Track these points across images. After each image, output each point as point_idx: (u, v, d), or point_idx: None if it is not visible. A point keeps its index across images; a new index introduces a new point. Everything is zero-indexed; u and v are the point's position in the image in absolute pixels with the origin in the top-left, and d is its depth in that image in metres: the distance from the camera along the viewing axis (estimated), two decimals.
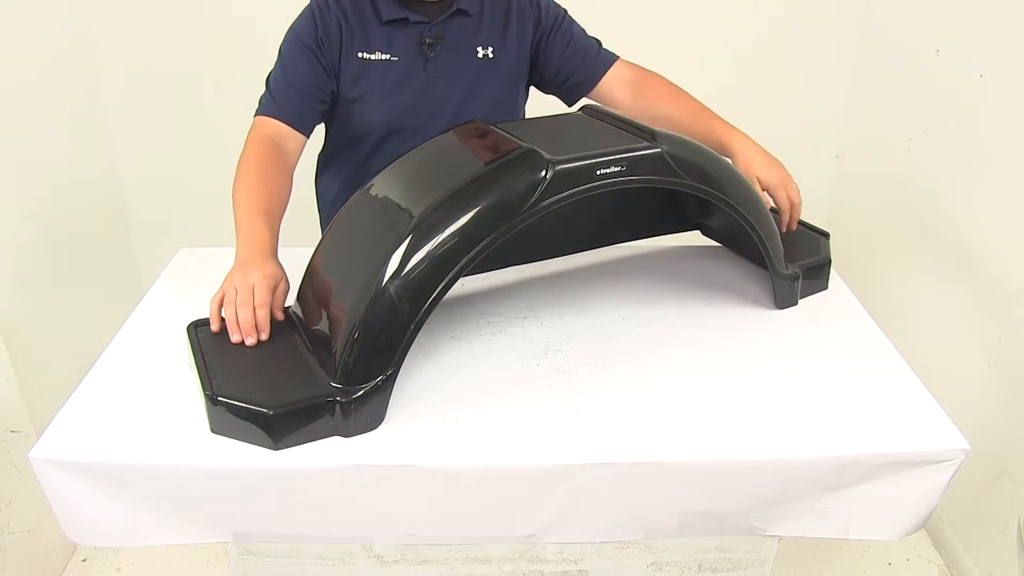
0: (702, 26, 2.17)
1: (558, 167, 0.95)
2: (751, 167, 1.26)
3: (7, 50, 1.76)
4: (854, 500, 0.97)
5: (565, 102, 1.48)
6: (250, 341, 1.01)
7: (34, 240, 1.85)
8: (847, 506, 0.97)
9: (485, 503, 0.95)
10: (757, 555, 1.05)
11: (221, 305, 1.04)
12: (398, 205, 0.98)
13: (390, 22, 1.32)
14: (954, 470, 0.95)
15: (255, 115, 1.32)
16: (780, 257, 1.18)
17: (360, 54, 1.32)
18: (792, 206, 1.28)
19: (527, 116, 1.48)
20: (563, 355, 1.09)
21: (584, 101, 1.35)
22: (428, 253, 0.91)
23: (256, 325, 1.01)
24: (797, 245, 1.28)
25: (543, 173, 0.94)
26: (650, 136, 1.02)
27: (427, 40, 1.32)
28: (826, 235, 1.33)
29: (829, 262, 1.27)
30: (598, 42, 1.46)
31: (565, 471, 0.92)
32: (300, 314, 1.04)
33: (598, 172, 0.97)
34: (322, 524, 0.97)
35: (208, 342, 1.01)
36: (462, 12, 1.34)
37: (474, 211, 0.93)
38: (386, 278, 0.91)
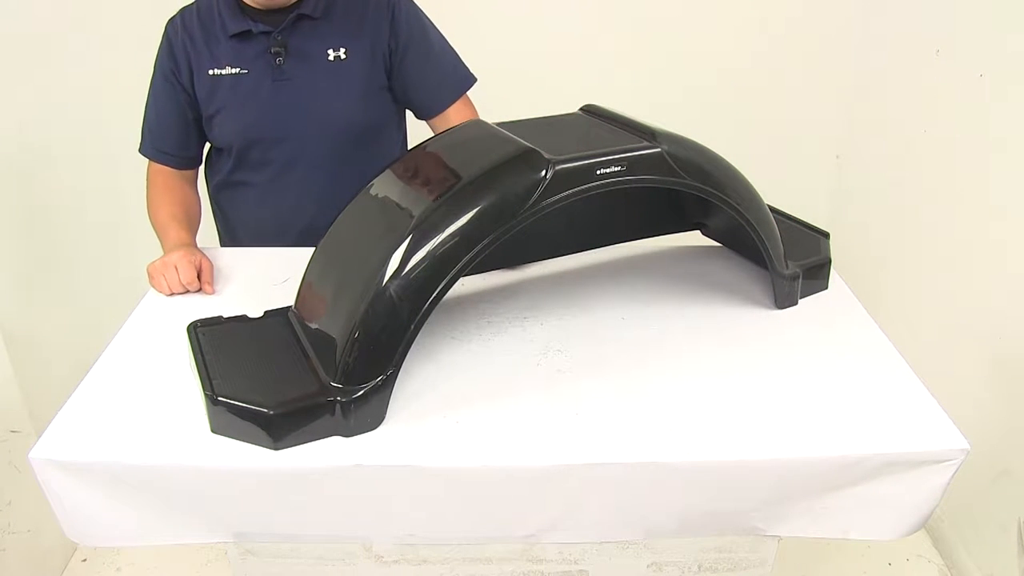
0: (703, 26, 2.17)
1: (558, 167, 0.95)
2: None
3: (7, 50, 1.76)
4: (854, 500, 0.97)
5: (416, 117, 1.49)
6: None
7: (34, 240, 1.85)
8: (847, 506, 0.97)
9: (485, 503, 0.95)
10: (757, 555, 1.05)
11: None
12: (398, 205, 0.98)
13: (236, 35, 1.33)
14: (954, 470, 0.95)
15: (138, 149, 1.42)
16: (780, 257, 1.18)
17: (211, 71, 1.34)
18: None
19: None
20: (563, 355, 1.09)
21: (585, 101, 1.35)
22: (428, 253, 0.91)
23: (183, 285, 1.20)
24: (797, 245, 1.28)
25: (543, 173, 0.94)
26: (650, 136, 1.02)
27: (273, 49, 1.32)
28: (826, 235, 1.33)
29: (829, 262, 1.27)
30: (456, 61, 1.44)
31: (565, 471, 0.92)
32: (300, 314, 1.04)
33: (598, 172, 0.97)
34: (322, 524, 0.97)
35: (208, 342, 1.01)
36: (305, 16, 1.33)
37: (474, 211, 0.93)
38: (386, 278, 0.91)
